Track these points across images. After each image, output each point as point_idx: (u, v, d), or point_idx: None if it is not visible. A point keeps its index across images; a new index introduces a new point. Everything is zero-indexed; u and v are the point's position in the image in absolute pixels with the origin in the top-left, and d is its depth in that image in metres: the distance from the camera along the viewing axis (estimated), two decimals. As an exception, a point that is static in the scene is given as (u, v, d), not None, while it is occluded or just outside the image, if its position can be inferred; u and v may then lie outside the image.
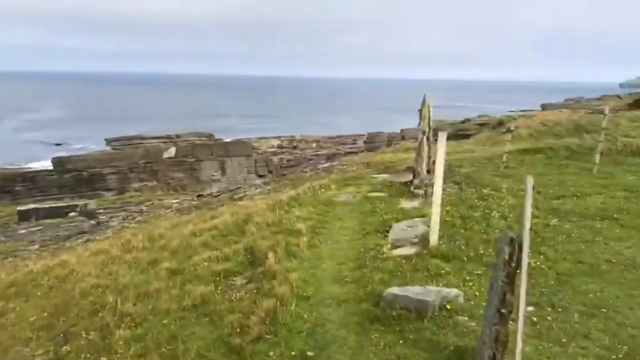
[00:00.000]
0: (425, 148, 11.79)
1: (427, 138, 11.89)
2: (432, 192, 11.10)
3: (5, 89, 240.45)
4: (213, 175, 42.23)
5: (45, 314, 7.79)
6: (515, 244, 4.22)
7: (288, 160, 59.75)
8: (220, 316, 6.58)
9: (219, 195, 18.19)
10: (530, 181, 4.26)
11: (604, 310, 5.87)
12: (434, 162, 13.04)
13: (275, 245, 8.18)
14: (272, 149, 73.84)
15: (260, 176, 42.80)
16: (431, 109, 12.39)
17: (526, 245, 4.23)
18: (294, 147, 78.34)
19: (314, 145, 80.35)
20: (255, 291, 6.95)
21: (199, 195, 22.27)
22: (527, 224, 4.20)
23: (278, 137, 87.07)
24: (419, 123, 12.19)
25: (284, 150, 75.35)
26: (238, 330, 6.06)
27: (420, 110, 12.15)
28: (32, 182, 38.50)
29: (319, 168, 19.07)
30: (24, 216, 23.44)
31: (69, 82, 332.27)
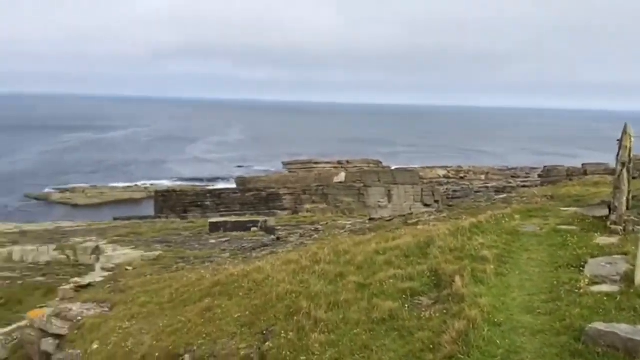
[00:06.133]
0: (626, 181, 10.84)
1: (628, 170, 10.93)
2: (632, 229, 10.19)
3: (198, 114, 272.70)
4: (380, 202, 42.98)
5: (247, 312, 8.67)
6: None
7: (455, 191, 58.62)
8: (409, 332, 6.78)
9: (391, 219, 18.45)
10: None
11: None
12: (634, 197, 11.96)
13: (461, 269, 8.15)
14: (438, 179, 73.11)
15: (426, 205, 42.53)
16: (632, 139, 11.39)
17: None
18: (461, 178, 76.60)
19: (483, 177, 77.81)
20: (444, 312, 7.02)
21: (370, 219, 22.83)
22: None
23: (444, 167, 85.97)
24: (618, 154, 11.26)
25: (450, 180, 74.10)
26: (430, 347, 6.20)
27: (620, 140, 11.23)
28: (218, 198, 42.97)
29: (495, 199, 18.46)
30: (214, 228, 26.14)
31: (247, 110, 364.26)
